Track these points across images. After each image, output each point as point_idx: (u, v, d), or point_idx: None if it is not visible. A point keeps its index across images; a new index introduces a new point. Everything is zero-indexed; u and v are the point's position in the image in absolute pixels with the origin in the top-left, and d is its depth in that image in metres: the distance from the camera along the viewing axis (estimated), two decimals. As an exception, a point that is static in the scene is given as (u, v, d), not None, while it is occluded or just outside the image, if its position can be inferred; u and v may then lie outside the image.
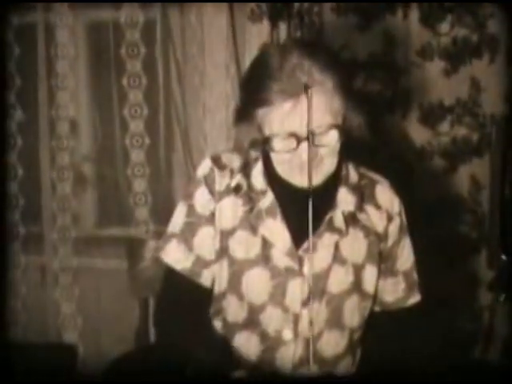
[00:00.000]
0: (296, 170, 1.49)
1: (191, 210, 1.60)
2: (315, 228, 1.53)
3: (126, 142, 2.97)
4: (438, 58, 2.70)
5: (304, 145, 1.43)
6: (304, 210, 1.51)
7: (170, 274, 1.63)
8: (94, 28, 3.08)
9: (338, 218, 1.56)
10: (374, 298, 1.64)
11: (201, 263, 1.59)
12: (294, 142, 1.44)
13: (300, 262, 1.54)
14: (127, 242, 2.97)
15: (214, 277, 1.60)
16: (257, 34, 2.71)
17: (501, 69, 2.68)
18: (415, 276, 1.69)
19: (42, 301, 3.12)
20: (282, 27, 2.68)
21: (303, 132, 1.43)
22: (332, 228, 1.55)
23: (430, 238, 2.73)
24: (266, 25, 2.69)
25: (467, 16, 2.65)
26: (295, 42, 1.56)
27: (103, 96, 3.08)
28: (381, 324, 1.66)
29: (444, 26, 2.68)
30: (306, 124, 1.42)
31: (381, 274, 1.63)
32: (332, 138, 1.46)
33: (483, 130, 2.70)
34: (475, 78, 2.69)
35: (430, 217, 2.75)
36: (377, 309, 1.67)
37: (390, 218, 1.62)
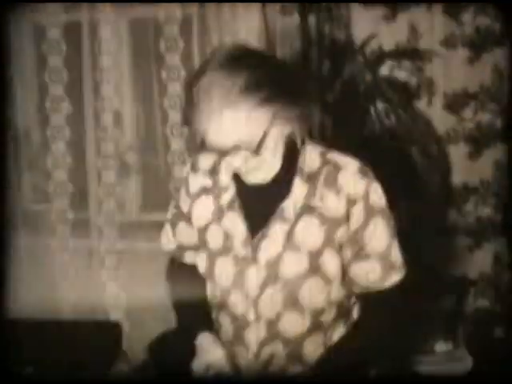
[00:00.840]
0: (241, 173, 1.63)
1: (177, 204, 1.79)
2: (268, 218, 1.63)
3: (167, 132, 3.12)
4: (462, 46, 2.79)
5: (228, 158, 1.54)
6: (260, 202, 1.64)
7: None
8: (136, 24, 3.23)
9: (288, 207, 1.62)
10: (351, 282, 1.67)
11: (182, 248, 1.80)
12: (218, 156, 1.59)
13: (255, 250, 1.64)
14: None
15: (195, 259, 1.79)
16: (287, 26, 2.82)
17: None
18: (394, 256, 1.66)
19: (90, 282, 3.28)
20: (312, 19, 2.79)
21: (222, 149, 1.51)
22: (282, 217, 1.62)
23: (455, 220, 2.84)
24: (296, 17, 2.81)
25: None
26: (227, 54, 1.51)
27: (145, 88, 3.24)
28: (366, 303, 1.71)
29: (467, 16, 2.76)
30: (222, 143, 1.50)
31: (350, 259, 1.64)
32: (246, 156, 1.53)
33: (506, 115, 2.77)
34: (498, 66, 2.77)
35: (455, 200, 2.85)
36: (356, 291, 1.69)
37: (351, 202, 1.61)
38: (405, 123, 2.67)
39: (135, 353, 3.08)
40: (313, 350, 1.69)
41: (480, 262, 2.86)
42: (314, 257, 1.62)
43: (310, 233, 1.62)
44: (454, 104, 2.81)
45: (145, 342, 2.96)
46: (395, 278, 1.67)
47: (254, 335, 1.68)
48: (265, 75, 1.50)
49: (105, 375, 2.77)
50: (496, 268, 2.84)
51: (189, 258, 1.80)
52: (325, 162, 1.64)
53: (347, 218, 1.61)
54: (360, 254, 1.64)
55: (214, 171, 1.71)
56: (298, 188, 1.63)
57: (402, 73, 2.82)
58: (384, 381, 1.69)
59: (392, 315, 1.70)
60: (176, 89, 3.07)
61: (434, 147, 2.77)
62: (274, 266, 1.63)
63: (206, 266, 1.71)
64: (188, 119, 1.54)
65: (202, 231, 1.71)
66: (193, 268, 1.78)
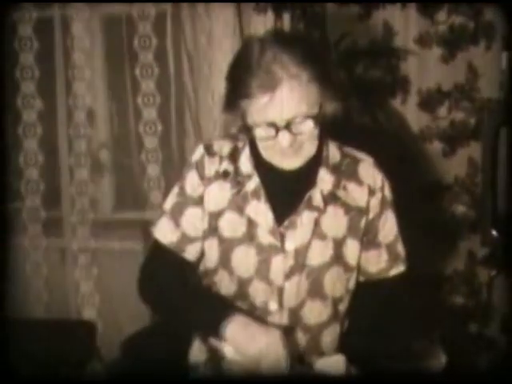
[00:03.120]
0: (278, 154, 1.62)
1: (182, 191, 1.74)
2: (296, 206, 1.66)
3: (140, 130, 3.10)
4: (436, 45, 2.81)
5: (283, 133, 1.55)
6: (286, 190, 1.67)
7: (156, 246, 1.77)
8: (109, 21, 3.21)
9: (316, 196, 1.66)
10: (358, 269, 1.74)
11: (186, 240, 1.72)
12: (273, 131, 1.56)
13: (282, 238, 1.66)
14: (142, 224, 3.11)
15: (198, 252, 1.74)
16: (262, 24, 2.82)
17: (497, 55, 2.77)
18: (399, 248, 1.77)
19: (63, 280, 3.26)
20: (286, 17, 2.79)
21: (281, 122, 1.55)
22: (311, 206, 1.66)
23: (430, 218, 2.86)
24: (270, 15, 2.80)
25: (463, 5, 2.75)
26: (274, 35, 1.62)
27: (118, 86, 3.20)
28: (366, 293, 1.76)
29: (441, 15, 2.78)
30: (283, 114, 1.54)
31: (363, 246, 1.72)
32: (308, 126, 1.57)
33: (480, 113, 2.79)
34: (472, 64, 2.80)
35: (430, 198, 2.87)
36: (361, 279, 1.76)
37: (371, 193, 1.70)
38: (380, 121, 2.69)
39: (109, 351, 3.06)
40: (330, 340, 1.74)
41: (454, 259, 2.88)
42: (338, 246, 1.68)
43: (336, 222, 1.68)
44: (429, 102, 2.83)
45: (119, 341, 2.94)
46: (400, 268, 1.78)
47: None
48: (314, 53, 1.58)
49: (79, 374, 2.76)
50: (470, 264, 2.87)
51: (190, 252, 1.73)
52: (343, 154, 1.73)
53: (368, 207, 1.70)
54: (372, 242, 1.73)
55: (233, 157, 1.70)
56: (324, 177, 1.68)
57: (377, 71, 2.83)
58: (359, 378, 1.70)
59: (370, 312, 1.74)
60: (149, 86, 3.06)
61: (408, 145, 2.80)
62: (301, 254, 1.66)
63: (220, 255, 1.69)
64: (233, 102, 1.58)
65: (215, 217, 1.69)
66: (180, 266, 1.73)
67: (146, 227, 3.06)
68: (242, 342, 1.58)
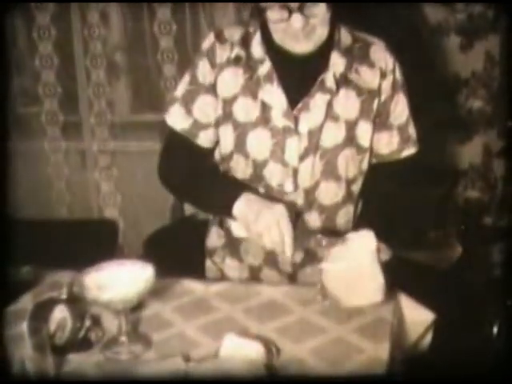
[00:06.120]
0: (290, 38, 1.62)
1: (193, 78, 1.73)
2: (308, 90, 1.68)
3: (155, 30, 3.09)
4: None
5: (295, 15, 1.55)
6: (299, 74, 1.68)
7: (171, 133, 1.78)
8: None
9: (329, 79, 1.68)
10: (371, 150, 1.76)
11: (198, 126, 1.74)
12: (286, 13, 1.56)
13: (296, 121, 1.68)
14: (159, 125, 3.14)
15: (212, 139, 1.76)
16: None
17: None
18: (411, 130, 1.78)
19: (84, 182, 3.34)
20: None
21: (294, 3, 1.54)
22: (324, 89, 1.68)
23: (447, 112, 2.86)
24: None
25: None
26: None
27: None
28: (378, 174, 1.78)
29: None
30: None
31: (375, 128, 1.74)
32: (321, 9, 1.57)
33: (498, 6, 2.74)
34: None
35: (446, 92, 2.86)
36: (374, 161, 1.78)
37: (383, 75, 1.71)
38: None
39: (131, 248, 3.15)
40: (344, 221, 1.79)
41: (470, 152, 2.90)
42: (350, 127, 1.70)
43: (348, 104, 1.70)
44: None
45: (140, 238, 3.01)
46: (411, 150, 1.79)
47: (291, 204, 1.71)
48: None
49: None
50: (486, 159, 2.88)
51: (203, 138, 1.75)
52: (355, 38, 1.73)
53: (380, 89, 1.71)
54: (383, 124, 1.75)
55: (244, 42, 1.71)
56: (336, 61, 1.69)
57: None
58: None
59: (383, 195, 1.78)
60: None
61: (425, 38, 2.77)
62: (315, 135, 1.69)
63: (235, 140, 1.72)
64: None
65: (229, 103, 1.70)
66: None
67: (163, 128, 3.11)
68: (249, 218, 1.60)
